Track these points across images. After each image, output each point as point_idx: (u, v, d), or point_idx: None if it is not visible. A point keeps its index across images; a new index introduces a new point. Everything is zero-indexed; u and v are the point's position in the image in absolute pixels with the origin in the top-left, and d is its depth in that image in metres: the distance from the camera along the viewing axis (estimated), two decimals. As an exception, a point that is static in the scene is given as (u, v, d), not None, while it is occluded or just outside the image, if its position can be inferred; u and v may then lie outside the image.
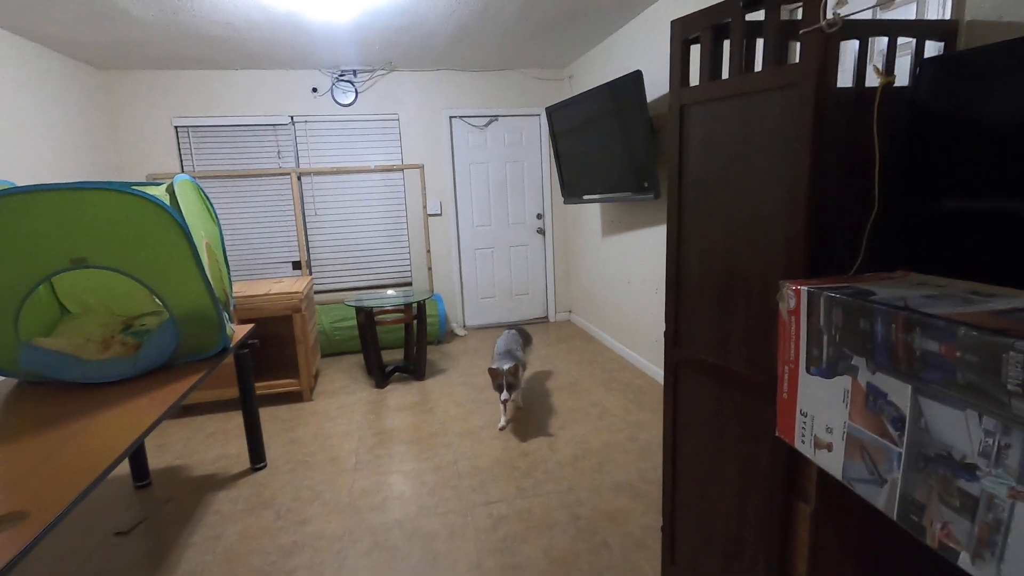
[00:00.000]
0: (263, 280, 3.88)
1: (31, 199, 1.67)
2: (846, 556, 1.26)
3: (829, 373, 1.05)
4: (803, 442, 1.14)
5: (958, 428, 0.79)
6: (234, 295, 3.28)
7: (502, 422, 2.96)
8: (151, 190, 2.03)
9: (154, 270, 1.91)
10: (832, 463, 1.06)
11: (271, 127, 4.46)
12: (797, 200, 1.16)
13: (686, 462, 1.59)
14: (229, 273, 2.51)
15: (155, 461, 2.75)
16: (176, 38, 3.37)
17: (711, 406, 1.47)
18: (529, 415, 3.09)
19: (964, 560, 0.80)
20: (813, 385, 1.09)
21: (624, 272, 4.00)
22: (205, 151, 4.40)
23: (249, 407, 2.57)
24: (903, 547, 1.28)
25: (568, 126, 3.95)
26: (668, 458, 1.65)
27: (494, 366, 2.83)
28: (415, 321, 3.70)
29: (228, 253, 4.56)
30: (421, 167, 4.75)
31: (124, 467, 2.63)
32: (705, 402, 1.49)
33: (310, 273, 4.72)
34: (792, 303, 1.13)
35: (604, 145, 3.52)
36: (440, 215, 4.86)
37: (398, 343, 4.46)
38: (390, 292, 4.17)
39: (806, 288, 1.08)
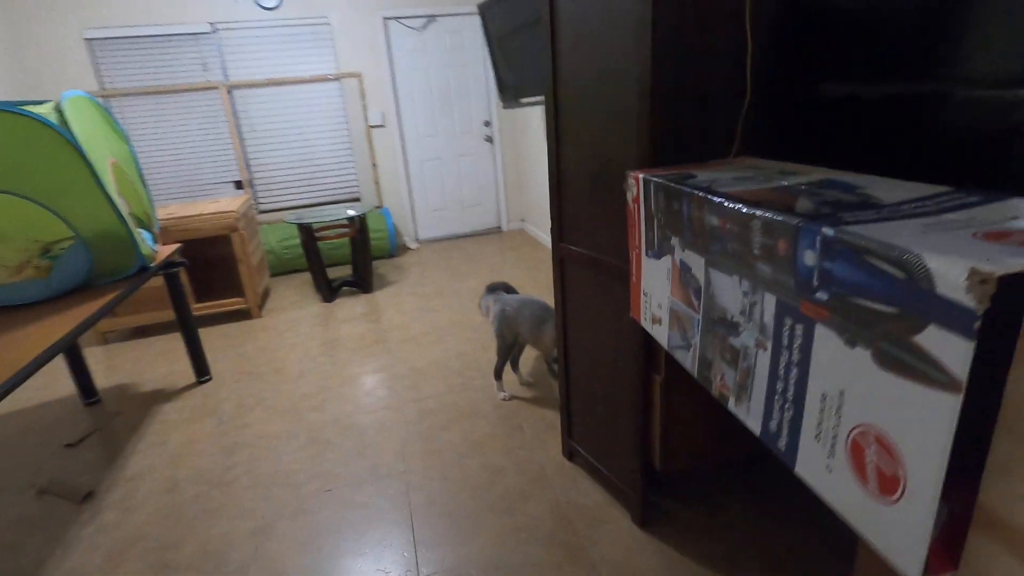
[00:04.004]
0: (200, 201, 3.83)
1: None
2: (695, 418, 1.42)
3: (659, 254, 1.14)
4: (645, 319, 1.25)
5: (730, 292, 0.89)
6: (164, 217, 3.25)
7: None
8: (37, 109, 1.96)
9: (54, 192, 1.90)
10: (662, 335, 1.18)
11: (191, 36, 4.18)
12: (643, 87, 1.19)
13: (575, 347, 1.72)
14: (149, 193, 2.48)
15: (105, 380, 2.85)
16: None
17: (591, 295, 1.57)
18: (471, 321, 3.22)
19: (731, 404, 0.93)
20: (650, 267, 1.19)
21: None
22: (123, 66, 4.14)
23: (187, 324, 2.65)
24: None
25: (502, 24, 3.78)
26: (562, 345, 1.78)
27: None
28: (359, 235, 3.73)
29: (162, 175, 4.45)
30: (359, 76, 4.55)
31: (72, 388, 2.74)
32: (586, 292, 1.59)
33: (253, 193, 4.64)
34: (634, 191, 1.20)
35: (539, 44, 3.40)
36: (383, 126, 4.73)
37: (348, 259, 4.50)
38: (334, 208, 4.15)
39: (643, 176, 1.14)
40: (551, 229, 1.66)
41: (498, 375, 2.35)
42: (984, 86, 0.89)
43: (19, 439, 2.36)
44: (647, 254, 1.19)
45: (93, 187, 1.91)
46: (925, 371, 0.54)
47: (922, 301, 0.54)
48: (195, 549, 1.66)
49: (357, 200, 4.87)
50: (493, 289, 2.50)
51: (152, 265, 2.28)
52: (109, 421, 2.45)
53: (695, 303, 1.01)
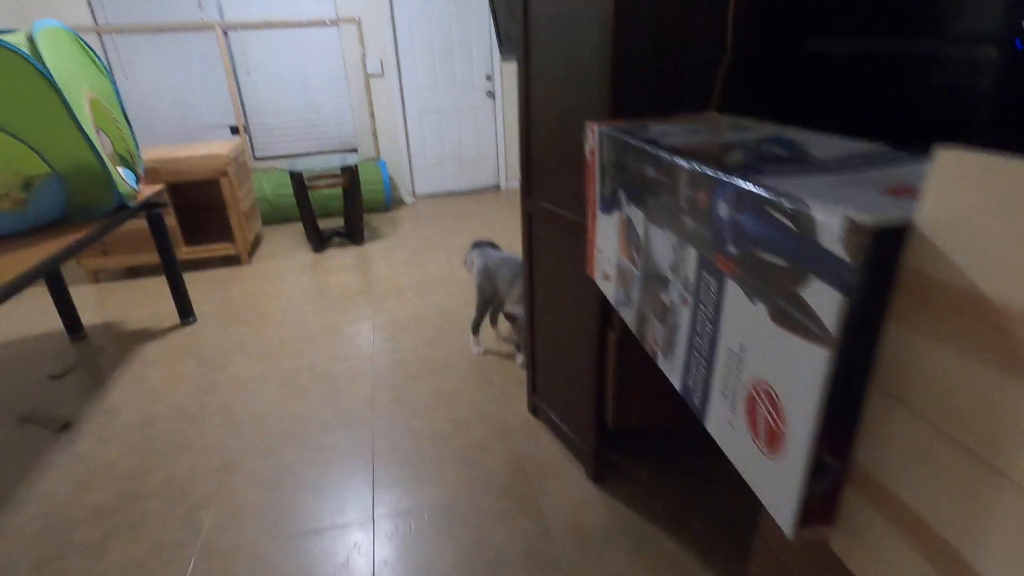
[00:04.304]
0: (191, 144, 3.79)
1: None
2: (647, 376, 1.42)
3: (609, 209, 1.11)
4: (598, 276, 1.24)
5: (663, 247, 0.88)
6: (153, 159, 3.23)
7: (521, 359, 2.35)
8: (9, 37, 1.92)
9: (27, 124, 1.88)
10: (610, 292, 1.17)
11: (186, -28, 4.06)
12: (604, 34, 1.14)
13: (541, 303, 1.72)
14: (132, 131, 2.46)
15: (93, 318, 2.90)
16: None
17: (555, 251, 1.56)
18: (456, 276, 3.22)
19: (660, 360, 0.92)
20: (602, 222, 1.17)
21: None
22: (118, 2, 4.04)
23: (171, 267, 2.67)
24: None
25: (505, -29, 3.63)
26: (528, 301, 1.78)
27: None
28: (351, 187, 3.69)
29: (158, 118, 4.40)
30: (358, 21, 4.42)
31: (59, 323, 2.78)
32: (551, 248, 1.57)
33: (249, 139, 4.59)
34: (591, 143, 1.17)
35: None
36: (382, 75, 4.62)
37: (341, 210, 4.48)
38: (330, 158, 4.10)
39: (598, 127, 1.11)
40: (520, 184, 1.63)
41: (475, 329, 2.36)
42: (969, 44, 0.85)
43: (3, 369, 2.42)
44: (600, 209, 1.17)
45: (67, 120, 1.89)
46: (806, 325, 0.53)
47: (807, 253, 0.52)
48: (161, 481, 1.72)
49: (354, 151, 4.81)
50: (479, 244, 2.48)
51: (132, 204, 2.28)
52: (93, 356, 2.50)
53: (636, 259, 1.00)
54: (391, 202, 4.70)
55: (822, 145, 0.79)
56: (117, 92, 2.38)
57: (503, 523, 1.50)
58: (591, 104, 1.25)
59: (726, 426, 0.72)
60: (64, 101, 1.86)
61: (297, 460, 1.78)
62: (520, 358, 2.33)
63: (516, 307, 2.13)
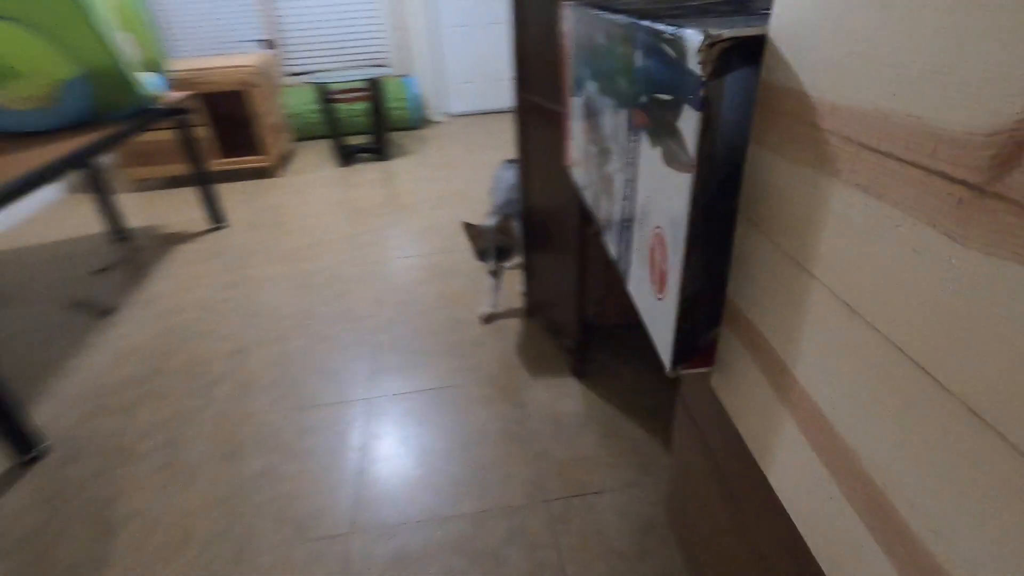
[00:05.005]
0: (222, 56, 3.84)
1: None
2: (625, 273, 1.44)
3: (578, 91, 1.10)
4: (570, 164, 1.24)
5: (609, 118, 0.87)
6: (182, 68, 3.30)
7: (487, 307, 2.03)
8: (27, -68, 1.96)
9: (51, 23, 1.96)
10: (578, 177, 1.17)
11: None
12: (579, -98, 1.08)
13: (533, 203, 1.73)
14: (159, 38, 2.52)
15: (135, 222, 3.10)
16: None
17: (543, 147, 1.55)
18: (474, 192, 3.24)
19: (605, 236, 0.94)
20: (574, 107, 1.15)
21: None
22: (146, -93, 4.01)
23: (202, 174, 2.79)
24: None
25: None
26: (522, 202, 1.79)
27: (474, 222, 1.91)
28: (376, 101, 3.69)
29: (190, 29, 4.45)
30: (386, -75, 4.24)
31: (105, 226, 2.99)
32: (540, 143, 1.56)
33: (282, 55, 4.59)
34: (566, 25, 1.13)
35: None
36: (411, -14, 4.48)
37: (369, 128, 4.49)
38: (358, 73, 4.08)
39: (569, 4, 1.08)
40: (513, 79, 1.60)
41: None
42: None
43: (58, 263, 2.65)
44: (573, 94, 1.15)
45: (84, 20, 1.95)
46: (680, 155, 0.54)
47: (682, 81, 0.52)
48: (184, 360, 1.90)
49: (384, 67, 4.75)
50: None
51: (157, 107, 2.37)
52: (133, 255, 2.70)
53: (593, 137, 0.99)
54: (421, 120, 4.67)
55: None
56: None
57: (485, 407, 1.60)
58: (570, -19, 1.19)
59: (639, 283, 0.74)
60: (85, 3, 1.91)
61: (304, 348, 1.91)
62: (489, 304, 2.06)
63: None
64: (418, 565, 1.18)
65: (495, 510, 1.30)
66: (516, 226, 1.87)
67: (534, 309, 1.96)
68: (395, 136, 4.54)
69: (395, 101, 4.43)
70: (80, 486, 1.42)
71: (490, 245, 1.85)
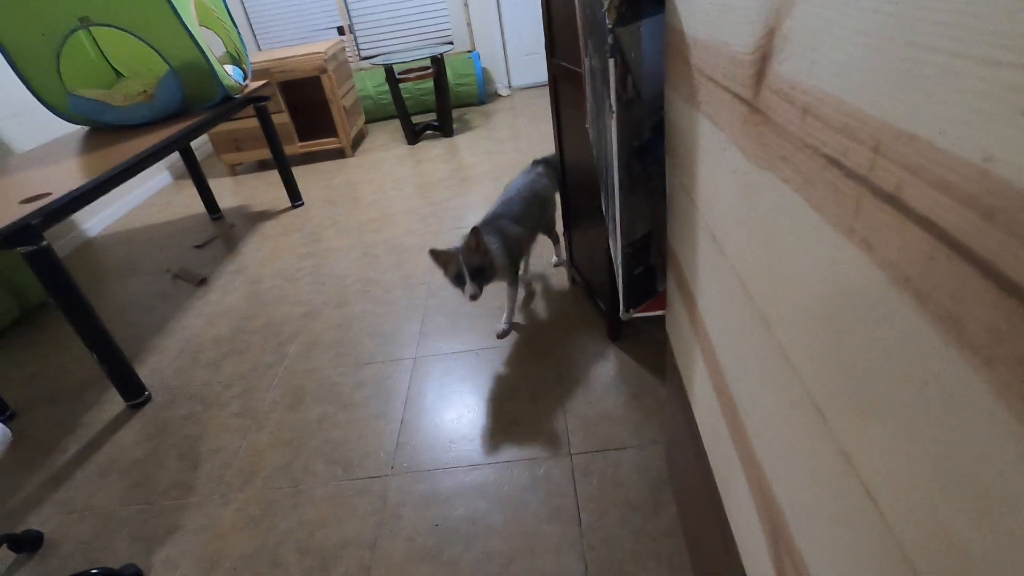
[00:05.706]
0: (298, 46, 4.10)
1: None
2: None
3: (586, 54, 1.11)
4: (586, 125, 1.25)
5: (599, 78, 0.89)
6: (262, 59, 3.57)
7: (503, 323, 1.86)
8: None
9: (145, 24, 2.21)
10: (591, 136, 1.19)
11: None
12: None
13: (569, 168, 1.75)
14: (237, 31, 2.77)
15: (228, 203, 3.45)
16: None
17: (575, 110, 1.56)
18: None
19: (602, 196, 0.96)
20: (585, 70, 1.17)
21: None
22: (232, -91, 4.32)
23: (278, 157, 3.05)
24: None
25: None
26: (560, 168, 1.81)
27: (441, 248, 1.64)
28: (439, 78, 3.80)
29: (270, 20, 4.76)
30: (448, -100, 4.28)
31: (203, 207, 3.35)
32: (572, 107, 1.58)
33: (355, 39, 4.82)
34: (575, -16, 1.14)
35: None
36: (475, -40, 4.50)
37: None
38: (420, 51, 4.20)
39: (576, -37, 1.08)
40: (544, 44, 1.62)
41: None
42: None
43: (163, 239, 3.03)
44: (585, 57, 1.16)
45: (174, 19, 2.19)
46: (608, 103, 0.56)
47: (604, 31, 0.54)
48: (263, 322, 2.13)
49: (449, 43, 4.84)
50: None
51: (237, 96, 2.62)
52: (226, 231, 3.02)
53: (590, 94, 1.01)
54: (486, 95, 4.73)
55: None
56: (222, -6, 2.66)
57: (520, 367, 1.68)
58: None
59: (611, 234, 0.77)
60: (171, 3, 2.15)
61: (364, 312, 2.08)
62: (503, 322, 1.88)
63: None
64: (446, 505, 1.29)
65: (521, 461, 1.38)
66: (493, 241, 1.66)
67: (576, 272, 1.99)
68: (462, 111, 4.64)
69: (461, 77, 4.52)
70: (175, 426, 1.67)
71: (461, 269, 1.59)
